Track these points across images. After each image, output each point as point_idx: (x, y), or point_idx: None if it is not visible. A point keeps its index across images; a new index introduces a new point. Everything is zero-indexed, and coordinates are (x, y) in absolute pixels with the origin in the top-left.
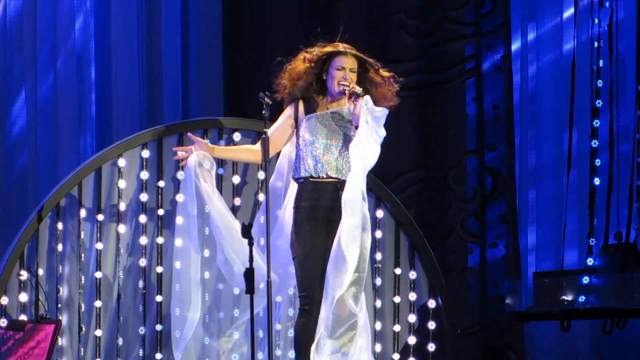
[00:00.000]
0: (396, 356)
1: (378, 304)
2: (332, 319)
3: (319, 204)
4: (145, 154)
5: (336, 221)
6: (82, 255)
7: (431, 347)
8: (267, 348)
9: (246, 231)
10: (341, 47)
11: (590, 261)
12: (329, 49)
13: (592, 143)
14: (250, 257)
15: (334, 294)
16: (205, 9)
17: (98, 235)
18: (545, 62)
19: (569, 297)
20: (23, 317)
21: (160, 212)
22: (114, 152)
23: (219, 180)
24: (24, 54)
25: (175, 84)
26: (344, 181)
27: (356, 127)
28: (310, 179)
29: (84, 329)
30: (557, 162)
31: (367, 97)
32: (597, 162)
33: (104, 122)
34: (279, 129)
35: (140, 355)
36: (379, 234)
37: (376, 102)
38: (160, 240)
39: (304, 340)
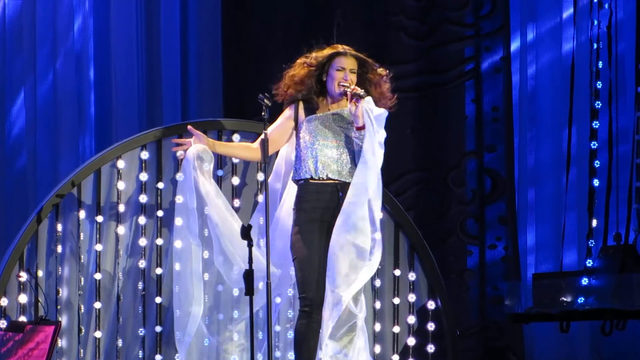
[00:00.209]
0: (396, 357)
1: (377, 305)
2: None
3: (319, 205)
4: (145, 155)
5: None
6: (82, 256)
7: (430, 348)
8: (266, 349)
9: (245, 232)
10: (340, 48)
11: (589, 262)
12: (328, 50)
13: (592, 144)
14: (250, 258)
15: (341, 294)
16: (204, 9)
17: (97, 236)
18: (545, 63)
19: (568, 299)
20: (23, 319)
21: (160, 213)
22: (113, 154)
23: (219, 182)
24: (23, 54)
25: (175, 85)
26: (344, 183)
27: (357, 128)
28: (310, 181)
29: (83, 330)
30: (556, 163)
31: (369, 98)
32: (597, 163)
33: (103, 123)
34: (278, 129)
35: (140, 356)
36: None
37: (376, 102)
38: (159, 241)
39: (304, 342)
